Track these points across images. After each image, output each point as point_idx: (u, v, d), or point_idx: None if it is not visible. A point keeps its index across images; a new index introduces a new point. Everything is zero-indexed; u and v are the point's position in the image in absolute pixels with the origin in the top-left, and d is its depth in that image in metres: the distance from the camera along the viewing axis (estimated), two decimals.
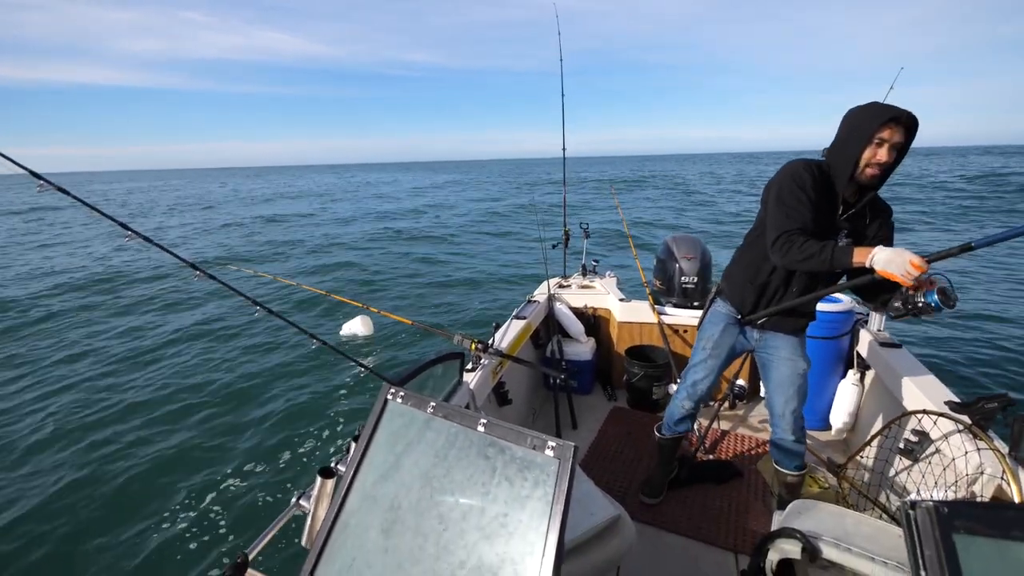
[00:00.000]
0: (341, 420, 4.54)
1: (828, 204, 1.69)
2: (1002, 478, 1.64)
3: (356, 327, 6.65)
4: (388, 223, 18.85)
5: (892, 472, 2.20)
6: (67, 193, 1.83)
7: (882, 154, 1.55)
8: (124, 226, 1.89)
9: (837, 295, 2.96)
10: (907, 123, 1.53)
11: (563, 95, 3.70)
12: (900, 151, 1.57)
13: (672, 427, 2.32)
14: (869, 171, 1.58)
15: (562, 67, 3.68)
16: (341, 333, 6.65)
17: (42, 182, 1.71)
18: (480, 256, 11.84)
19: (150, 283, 10.13)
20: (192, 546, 3.17)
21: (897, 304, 1.53)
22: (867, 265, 1.50)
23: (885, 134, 1.53)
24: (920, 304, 1.47)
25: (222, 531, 3.27)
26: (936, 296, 1.44)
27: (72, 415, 4.83)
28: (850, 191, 1.69)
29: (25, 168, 1.68)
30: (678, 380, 2.28)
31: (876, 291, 1.71)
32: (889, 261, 1.44)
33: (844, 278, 1.81)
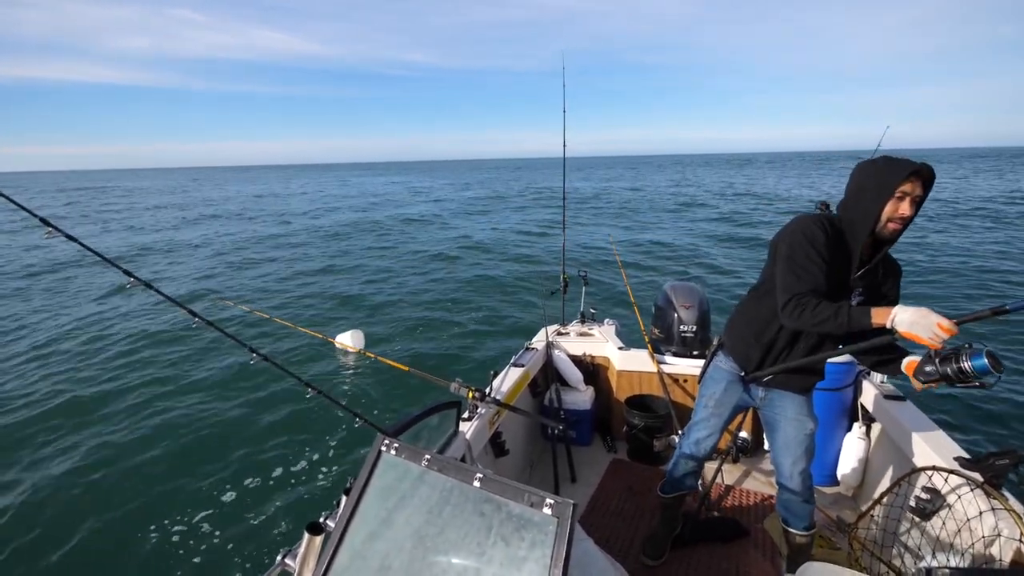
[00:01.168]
0: (334, 469, 4.40)
1: (842, 262, 1.64)
2: (1020, 540, 1.58)
3: (347, 340, 6.64)
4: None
5: (904, 532, 2.12)
6: (77, 241, 1.85)
7: (905, 208, 1.51)
8: (128, 273, 1.90)
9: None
10: (927, 176, 1.51)
11: (564, 146, 3.81)
12: (919, 204, 1.55)
13: (675, 485, 2.25)
14: (892, 226, 1.54)
15: (564, 119, 3.79)
16: (337, 343, 6.63)
17: (50, 229, 1.74)
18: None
19: (137, 318, 10.08)
20: None
21: (929, 368, 1.37)
22: (888, 327, 1.42)
23: (907, 187, 1.50)
24: (964, 368, 1.28)
25: None
26: (986, 359, 1.24)
27: (47, 463, 4.68)
28: (865, 247, 1.63)
29: (36, 215, 1.71)
30: (679, 432, 2.24)
31: (883, 356, 1.67)
32: (913, 323, 1.35)
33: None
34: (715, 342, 2.14)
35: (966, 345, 1.33)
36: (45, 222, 1.74)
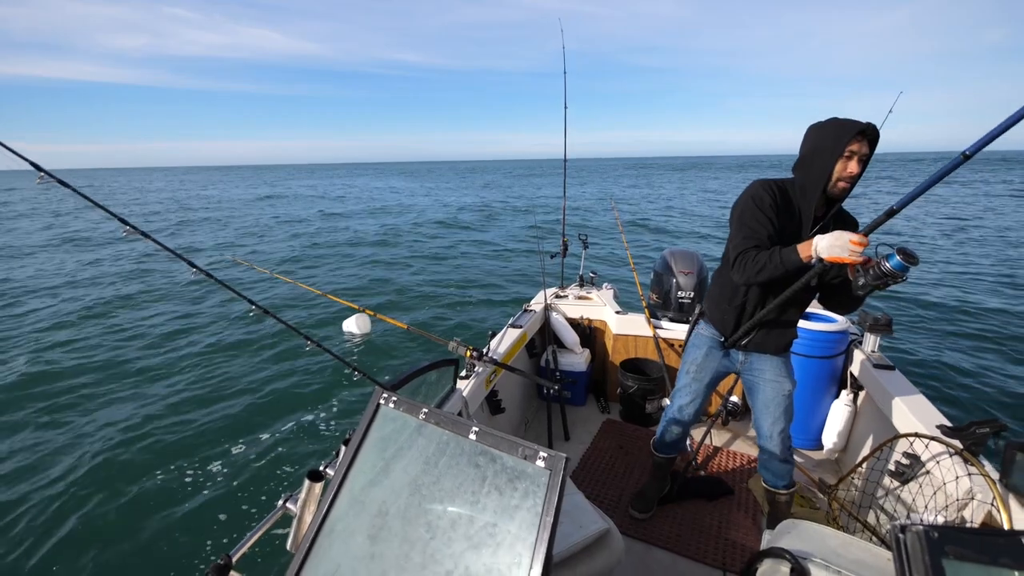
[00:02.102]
0: (332, 423, 4.51)
1: (792, 221, 1.74)
2: (992, 504, 1.64)
3: (353, 325, 6.69)
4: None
5: (883, 494, 2.20)
6: (72, 188, 1.83)
7: (852, 166, 1.60)
8: (123, 220, 1.88)
9: (831, 314, 2.97)
10: (871, 135, 1.59)
11: (565, 141, 3.68)
12: (865, 162, 1.63)
13: (664, 448, 2.33)
14: (841, 184, 1.63)
15: (565, 115, 3.63)
16: (343, 328, 6.69)
17: (42, 174, 1.71)
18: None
19: (135, 278, 10.09)
20: (175, 545, 3.13)
21: (861, 282, 1.49)
22: (813, 257, 1.53)
23: (854, 147, 1.59)
24: (885, 271, 1.44)
25: (206, 531, 3.23)
26: (898, 257, 1.42)
27: (51, 404, 4.79)
28: (819, 205, 1.72)
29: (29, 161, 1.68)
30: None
31: (838, 294, 1.77)
32: (831, 246, 1.48)
33: (816, 292, 1.85)
34: (696, 310, 2.20)
35: (877, 251, 1.49)
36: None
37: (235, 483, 3.69)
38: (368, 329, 6.64)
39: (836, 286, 1.77)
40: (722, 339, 2.04)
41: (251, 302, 2.09)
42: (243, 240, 15.54)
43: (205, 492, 3.59)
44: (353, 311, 6.71)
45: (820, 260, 1.52)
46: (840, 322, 2.82)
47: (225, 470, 3.84)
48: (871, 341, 2.77)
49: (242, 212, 24.23)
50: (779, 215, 1.71)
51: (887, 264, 1.43)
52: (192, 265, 2.00)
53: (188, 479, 3.74)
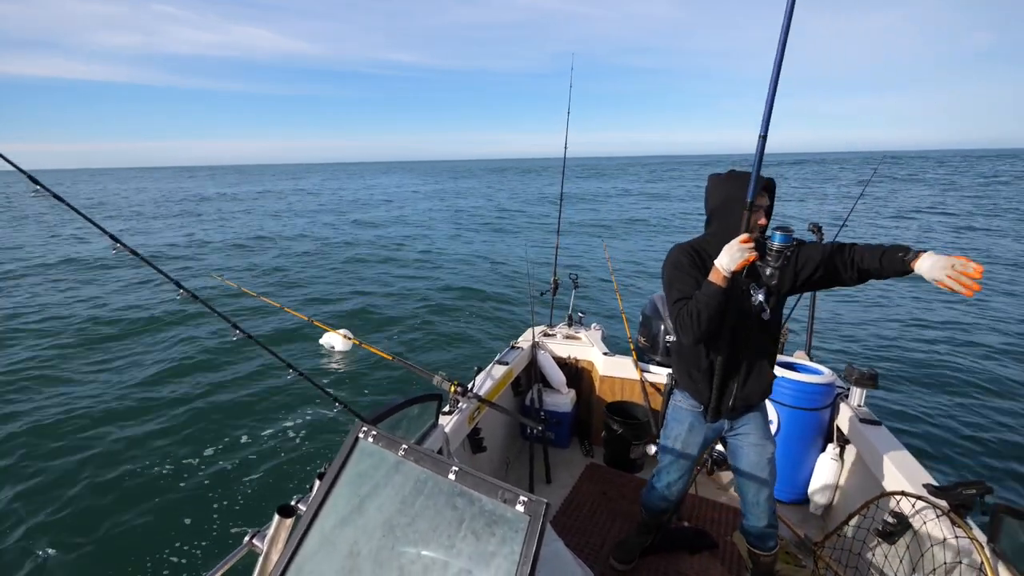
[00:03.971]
0: (307, 454, 4.37)
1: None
2: (980, 570, 1.61)
3: (334, 340, 6.58)
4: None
5: (869, 554, 2.15)
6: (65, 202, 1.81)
7: (760, 218, 1.73)
8: (114, 238, 1.87)
9: (818, 367, 2.97)
10: (772, 188, 1.75)
11: (565, 148, 3.81)
12: (769, 214, 1.76)
13: (651, 510, 2.28)
14: (754, 234, 1.69)
15: (568, 119, 3.79)
16: (320, 341, 6.57)
17: (37, 187, 1.70)
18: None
19: (130, 291, 9.94)
20: None
21: (768, 271, 1.66)
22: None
23: (760, 201, 1.71)
24: (777, 249, 1.61)
25: (165, 565, 3.06)
26: (777, 232, 1.61)
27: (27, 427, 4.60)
28: None
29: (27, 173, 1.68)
30: (658, 440, 2.25)
31: (845, 279, 1.73)
32: (731, 259, 1.58)
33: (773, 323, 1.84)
34: (667, 382, 2.16)
35: (766, 236, 1.68)
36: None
37: (193, 516, 3.51)
38: (349, 347, 6.53)
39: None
40: (702, 409, 1.97)
41: (236, 327, 2.06)
42: (228, 257, 15.44)
43: (166, 524, 3.42)
44: (336, 323, 6.63)
45: (732, 273, 1.60)
46: (826, 375, 2.83)
47: (190, 500, 3.67)
48: (857, 395, 2.78)
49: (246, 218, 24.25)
50: (702, 273, 1.74)
51: (775, 244, 1.62)
52: (179, 286, 1.97)
53: (148, 509, 3.56)
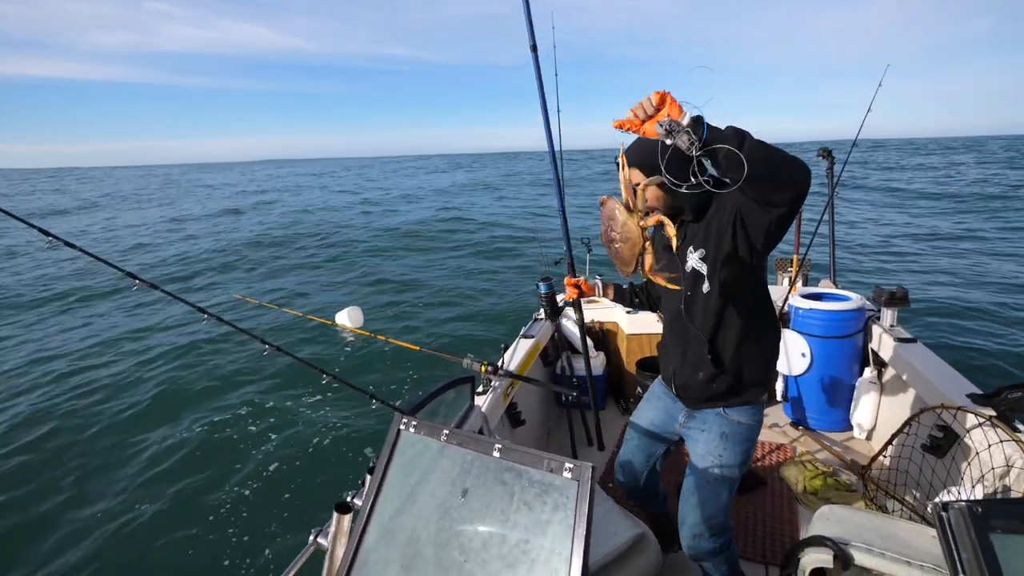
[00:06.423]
0: (351, 450, 4.51)
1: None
2: None
3: (345, 318, 6.67)
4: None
5: (918, 470, 2.15)
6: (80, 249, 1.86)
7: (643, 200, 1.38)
8: (132, 275, 1.91)
9: (845, 293, 2.93)
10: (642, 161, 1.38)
11: (558, 111, 3.72)
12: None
13: (622, 486, 1.95)
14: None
15: (557, 99, 3.65)
16: (335, 321, 6.70)
17: (51, 238, 1.75)
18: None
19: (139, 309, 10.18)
20: None
21: (706, 178, 1.23)
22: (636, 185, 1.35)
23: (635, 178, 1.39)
24: (685, 134, 1.05)
25: (239, 573, 3.22)
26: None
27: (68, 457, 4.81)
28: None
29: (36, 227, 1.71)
30: None
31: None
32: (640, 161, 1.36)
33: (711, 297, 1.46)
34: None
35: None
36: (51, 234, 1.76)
37: (259, 522, 3.65)
38: (361, 323, 6.60)
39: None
40: (671, 389, 1.66)
41: (264, 342, 2.10)
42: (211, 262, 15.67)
43: (230, 532, 3.58)
44: (348, 300, 6.67)
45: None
46: (854, 300, 2.78)
47: (247, 511, 3.81)
48: (889, 315, 2.74)
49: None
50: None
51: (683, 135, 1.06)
52: (203, 311, 2.02)
53: (211, 522, 3.71)
